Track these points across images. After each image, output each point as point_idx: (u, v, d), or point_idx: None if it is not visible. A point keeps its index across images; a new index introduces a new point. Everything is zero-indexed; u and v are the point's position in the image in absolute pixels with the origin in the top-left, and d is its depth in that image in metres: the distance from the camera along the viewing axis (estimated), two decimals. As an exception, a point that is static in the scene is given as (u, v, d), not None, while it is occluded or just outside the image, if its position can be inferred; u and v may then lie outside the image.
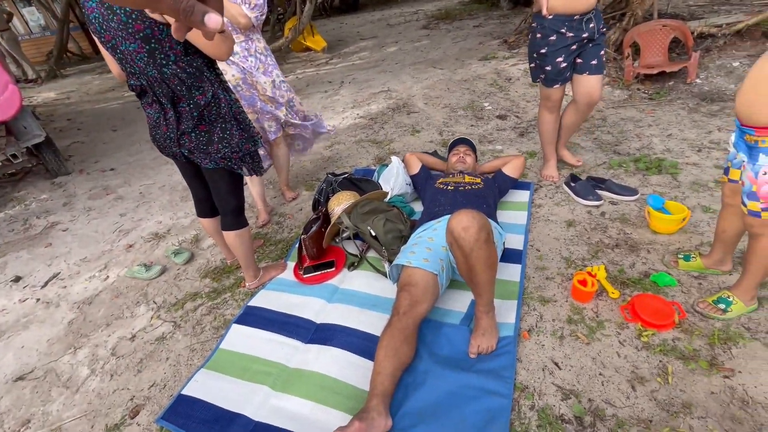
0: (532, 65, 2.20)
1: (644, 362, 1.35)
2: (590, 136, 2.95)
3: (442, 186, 2.00)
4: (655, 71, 3.59)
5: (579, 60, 2.10)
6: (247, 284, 1.93)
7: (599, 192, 2.20)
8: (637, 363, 1.35)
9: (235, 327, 1.72)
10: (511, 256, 1.84)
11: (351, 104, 4.44)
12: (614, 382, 1.31)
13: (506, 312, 1.58)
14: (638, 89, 3.70)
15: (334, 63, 6.71)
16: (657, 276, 1.63)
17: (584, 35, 2.01)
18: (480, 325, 1.45)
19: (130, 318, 1.92)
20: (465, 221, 1.29)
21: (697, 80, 3.60)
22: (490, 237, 1.32)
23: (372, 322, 1.61)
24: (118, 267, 2.32)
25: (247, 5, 2.00)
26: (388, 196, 2.24)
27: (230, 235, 1.74)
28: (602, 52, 2.08)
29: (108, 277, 2.25)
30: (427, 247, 1.57)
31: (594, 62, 2.09)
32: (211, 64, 1.42)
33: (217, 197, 1.67)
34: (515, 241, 1.94)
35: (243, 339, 1.67)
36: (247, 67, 2.14)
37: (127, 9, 1.22)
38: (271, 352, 1.60)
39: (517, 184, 2.38)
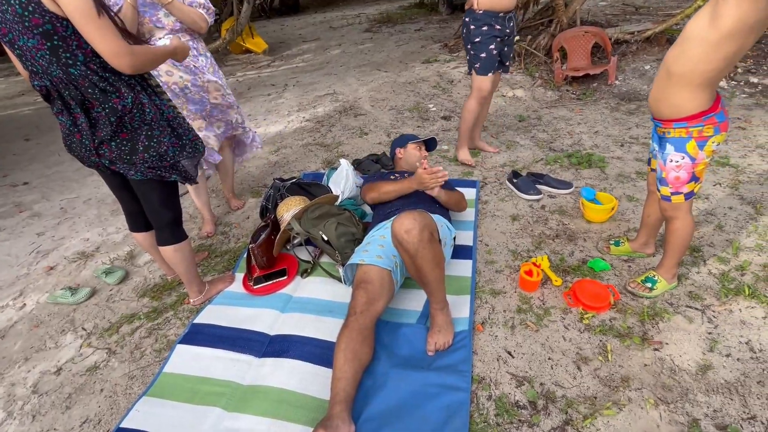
0: (468, 56, 2.41)
1: (587, 343, 1.45)
2: (528, 135, 3.13)
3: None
4: (580, 74, 3.90)
5: (499, 58, 2.40)
6: (191, 301, 1.80)
7: (539, 186, 2.33)
8: (580, 344, 1.45)
9: (179, 348, 1.60)
10: (462, 252, 1.90)
11: (296, 107, 4.35)
12: (562, 365, 1.39)
13: (460, 307, 1.61)
14: (567, 90, 4.00)
15: (276, 65, 6.53)
16: (593, 262, 1.76)
17: (507, 31, 2.31)
18: (435, 322, 1.47)
19: (54, 349, 1.71)
20: (407, 224, 1.31)
21: (617, 82, 3.96)
22: (433, 236, 1.35)
23: (329, 329, 1.57)
24: (37, 293, 2.06)
25: (204, 9, 1.94)
26: (339, 200, 2.21)
27: (167, 251, 1.60)
28: (511, 54, 2.49)
29: (25, 305, 1.99)
30: (379, 244, 1.57)
31: (507, 63, 2.49)
32: None
33: (150, 210, 1.53)
34: (465, 238, 2.00)
35: (189, 360, 1.55)
36: (199, 67, 2.01)
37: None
38: (222, 371, 1.50)
39: (464, 183, 2.46)
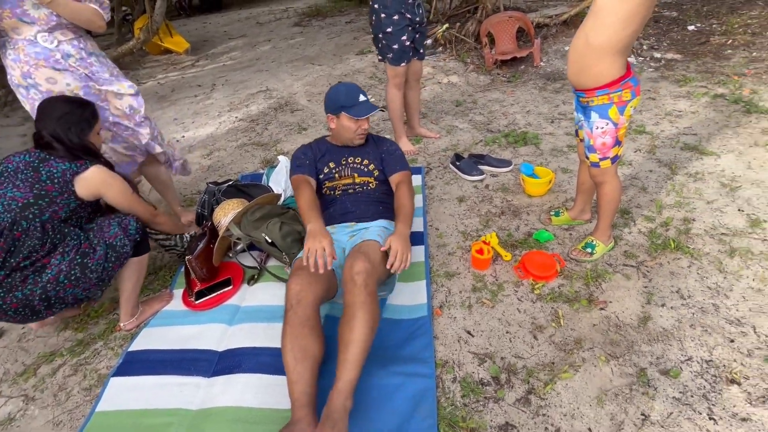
0: (380, 45, 2.36)
1: (540, 312, 1.49)
2: (465, 118, 3.19)
3: (329, 192, 1.74)
4: (508, 57, 4.05)
5: (412, 44, 2.40)
6: (122, 325, 1.61)
7: (481, 167, 2.38)
8: (534, 314, 1.49)
9: (113, 381, 1.42)
10: (413, 238, 1.87)
11: (227, 107, 4.09)
12: (519, 336, 1.42)
13: (417, 293, 1.59)
14: (498, 74, 4.14)
15: (201, 65, 6.11)
16: (538, 234, 1.82)
17: (417, 18, 2.30)
18: (327, 412, 1.09)
19: (-46, 406, 1.45)
20: (358, 266, 1.28)
21: (542, 63, 4.17)
22: (375, 290, 1.29)
23: (283, 335, 1.48)
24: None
25: (96, 3, 1.65)
26: (281, 199, 2.10)
27: (132, 261, 1.53)
28: (426, 42, 2.48)
29: None
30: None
31: (421, 50, 2.49)
32: None
33: None
34: (416, 224, 1.97)
35: (127, 392, 1.38)
36: (93, 72, 1.69)
37: None
38: (167, 399, 1.35)
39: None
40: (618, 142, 1.48)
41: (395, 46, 2.30)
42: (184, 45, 6.69)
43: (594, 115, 1.45)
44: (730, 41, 4.04)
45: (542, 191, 2.10)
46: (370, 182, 1.74)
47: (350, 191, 1.71)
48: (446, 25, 4.95)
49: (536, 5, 6.12)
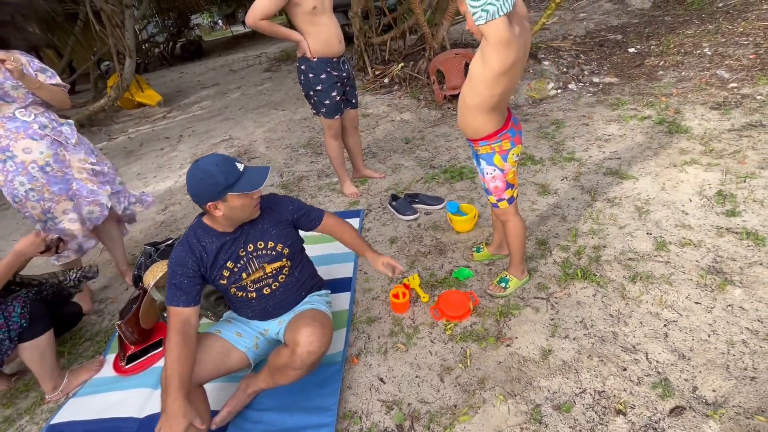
0: (312, 101, 2.49)
1: (450, 353, 1.54)
2: (412, 156, 3.32)
3: (240, 294, 1.44)
4: (457, 92, 4.26)
5: (344, 97, 2.54)
6: (48, 398, 1.63)
7: (415, 206, 2.48)
8: (444, 356, 1.53)
9: (32, 457, 1.43)
10: (341, 284, 1.94)
11: (190, 159, 4.21)
12: (428, 380, 1.46)
13: (335, 342, 1.64)
14: (448, 108, 4.33)
15: (172, 116, 6.31)
16: (458, 272, 1.89)
17: (344, 74, 2.42)
18: None
19: None
20: (315, 345, 1.28)
21: (489, 95, 4.37)
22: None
23: (209, 395, 1.50)
24: None
25: (50, 77, 1.88)
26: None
27: (25, 347, 1.48)
28: (356, 92, 2.64)
29: None
30: (255, 335, 1.50)
31: (353, 101, 2.62)
32: None
33: None
34: (346, 270, 2.04)
35: (43, 469, 1.39)
36: (65, 139, 1.90)
37: None
38: (84, 472, 1.36)
39: (349, 214, 2.54)
40: (509, 185, 1.58)
41: (327, 102, 2.43)
42: (156, 98, 6.93)
43: (483, 162, 1.56)
44: (663, 62, 4.28)
45: (468, 227, 2.18)
46: (285, 266, 1.47)
47: (266, 291, 1.45)
48: (401, 64, 5.21)
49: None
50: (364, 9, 4.95)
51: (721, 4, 5.88)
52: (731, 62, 3.93)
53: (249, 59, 10.03)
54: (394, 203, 2.50)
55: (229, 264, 1.38)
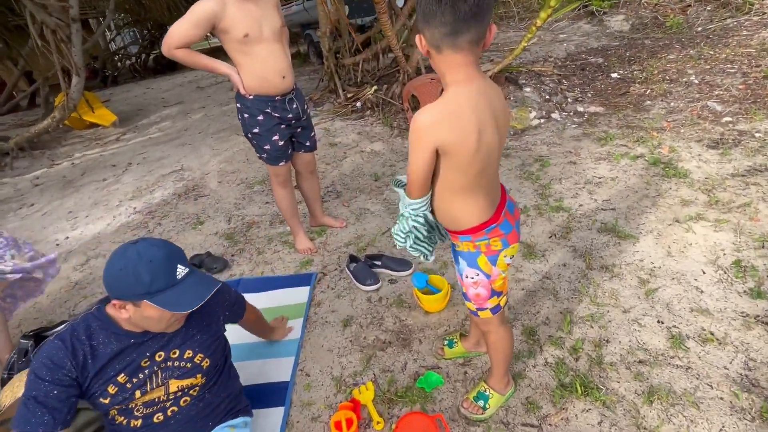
0: (253, 144, 2.08)
1: None
2: (380, 198, 2.91)
3: (121, 419, 1.10)
4: (432, 120, 3.89)
5: (295, 140, 2.15)
6: None
7: (378, 270, 2.06)
8: None
9: None
10: (273, 397, 1.48)
11: (131, 194, 3.70)
12: None
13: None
14: (424, 137, 3.96)
15: (126, 139, 5.77)
16: (424, 379, 1.47)
17: (289, 115, 2.00)
18: None
19: None
20: None
21: (467, 124, 4.04)
22: None
23: None
24: None
25: None
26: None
27: None
28: (312, 134, 2.21)
29: None
30: None
31: (308, 143, 2.20)
32: None
33: None
34: (284, 370, 1.59)
35: None
36: None
37: None
38: None
39: (297, 280, 2.10)
40: (496, 293, 1.17)
41: (267, 147, 2.01)
42: (110, 118, 6.36)
43: (462, 262, 1.15)
44: (649, 91, 4.04)
45: (440, 307, 1.77)
46: (196, 385, 1.15)
47: (157, 418, 1.10)
48: (375, 87, 4.85)
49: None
50: (333, 28, 4.59)
51: (700, 29, 5.78)
52: (721, 92, 3.71)
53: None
54: (352, 267, 2.07)
55: (121, 377, 1.06)
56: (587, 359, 1.47)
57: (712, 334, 1.48)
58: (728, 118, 3.20)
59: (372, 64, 5.31)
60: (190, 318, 1.16)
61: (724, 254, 1.83)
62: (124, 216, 3.26)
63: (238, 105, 1.95)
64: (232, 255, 2.45)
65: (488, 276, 1.12)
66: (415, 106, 4.28)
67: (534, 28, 4.06)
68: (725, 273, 1.73)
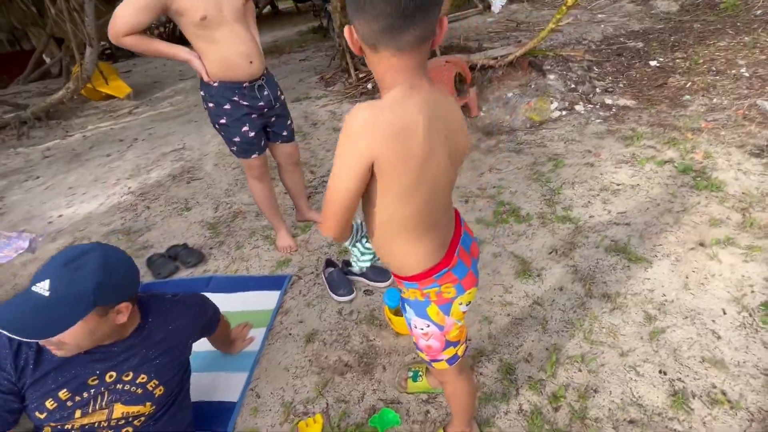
0: (221, 135, 1.90)
1: None
2: (374, 193, 2.72)
3: None
4: (442, 108, 3.61)
5: (270, 129, 1.97)
6: None
7: (354, 279, 1.89)
8: None
9: None
10: (218, 419, 1.37)
11: (130, 172, 3.65)
12: None
13: None
14: (432, 126, 3.69)
15: (138, 112, 5.74)
16: (378, 417, 1.31)
17: (260, 104, 1.81)
18: None
19: None
20: None
21: (481, 113, 3.73)
22: None
23: None
24: None
25: None
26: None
27: None
28: (289, 122, 2.02)
29: None
30: None
31: (284, 133, 2.02)
32: None
33: None
34: (233, 387, 1.47)
35: None
36: None
37: None
38: None
39: (268, 282, 1.97)
40: (452, 343, 0.98)
41: (236, 139, 1.84)
42: (125, 90, 6.34)
43: (409, 310, 0.96)
44: (690, 83, 3.60)
45: (412, 328, 1.60)
46: (142, 414, 1.05)
47: None
48: (387, 67, 4.55)
49: (498, 36, 5.81)
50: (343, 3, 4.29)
51: (759, 12, 5.12)
52: (775, 89, 3.24)
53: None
54: (327, 273, 1.92)
55: (63, 393, 0.97)
56: (568, 411, 1.27)
57: (724, 394, 1.25)
58: (780, 121, 2.78)
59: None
60: (153, 335, 1.07)
61: (753, 292, 1.56)
62: (117, 196, 3.21)
63: (203, 93, 1.77)
64: (211, 248, 2.34)
65: (441, 327, 0.93)
66: (428, 90, 3.99)
67: (564, 8, 3.65)
68: (750, 316, 1.47)
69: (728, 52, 4.15)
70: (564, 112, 3.51)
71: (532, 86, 3.85)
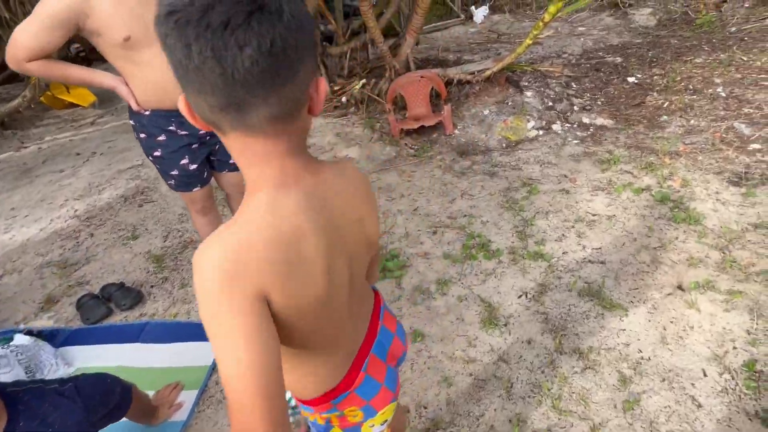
0: (156, 168, 1.68)
1: None
2: (338, 220, 2.53)
3: None
4: (415, 126, 3.46)
5: (214, 158, 1.73)
6: None
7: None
8: None
9: None
10: None
11: (80, 192, 3.39)
12: None
13: None
14: (406, 144, 3.54)
15: (101, 123, 5.44)
16: None
17: (202, 132, 1.56)
18: None
19: None
20: None
21: (456, 131, 3.59)
22: None
23: None
24: None
25: None
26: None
27: None
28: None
29: None
30: None
31: (231, 161, 1.75)
32: None
33: None
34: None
35: None
36: None
37: None
38: None
39: (195, 331, 1.76)
40: None
41: (174, 173, 1.63)
42: (89, 98, 6.01)
43: (313, 429, 0.77)
44: (668, 103, 3.53)
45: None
46: None
47: None
48: (363, 81, 4.39)
49: (479, 48, 5.72)
50: (316, 9, 4.12)
51: (734, 29, 5.15)
52: (751, 110, 3.19)
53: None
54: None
55: None
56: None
57: (706, 481, 1.10)
58: (756, 145, 2.71)
59: (363, 54, 4.84)
60: None
61: (735, 348, 1.43)
62: (61, 220, 2.95)
63: (132, 123, 1.57)
64: (152, 286, 2.12)
65: (350, 453, 0.75)
66: (403, 106, 3.85)
67: (541, 23, 3.55)
68: (733, 379, 1.33)
69: (705, 70, 4.12)
70: (541, 132, 3.39)
71: (509, 103, 3.74)
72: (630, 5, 6.73)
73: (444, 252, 2.10)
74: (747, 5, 5.75)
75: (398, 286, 1.91)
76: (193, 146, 1.62)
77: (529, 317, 1.66)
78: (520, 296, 1.77)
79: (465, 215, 2.40)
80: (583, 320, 1.62)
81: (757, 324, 1.50)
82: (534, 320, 1.64)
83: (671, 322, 1.55)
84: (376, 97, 4.11)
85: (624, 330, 1.55)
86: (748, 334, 1.47)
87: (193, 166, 1.65)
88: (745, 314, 1.54)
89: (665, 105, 3.51)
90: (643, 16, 6.40)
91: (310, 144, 3.71)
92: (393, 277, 1.95)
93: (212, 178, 1.82)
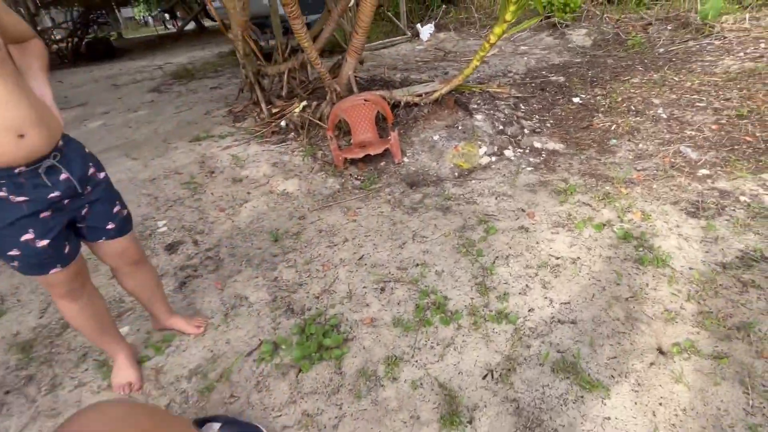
0: None
1: None
2: (269, 277, 2.12)
3: None
4: (360, 155, 3.14)
5: (81, 225, 1.32)
6: None
7: (212, 450, 1.28)
8: None
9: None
10: None
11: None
12: None
13: None
14: (351, 175, 3.20)
15: None
16: None
17: (53, 194, 1.17)
18: None
19: None
20: None
21: (405, 159, 3.32)
22: None
23: None
24: None
25: None
26: None
27: None
28: (117, 209, 1.38)
29: None
30: None
31: (110, 226, 1.36)
32: None
33: None
34: None
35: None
36: None
37: None
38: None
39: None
40: None
41: (13, 252, 1.17)
42: None
43: None
44: (614, 126, 3.49)
45: None
46: None
47: None
48: (304, 103, 4.02)
49: (426, 67, 5.55)
50: (245, 29, 3.71)
51: (662, 50, 5.39)
52: (693, 133, 3.21)
53: (146, 70, 8.32)
54: (170, 444, 1.27)
55: None
56: None
57: None
58: (705, 171, 2.67)
59: (303, 74, 4.47)
60: None
61: (735, 437, 1.20)
62: None
63: None
64: (8, 392, 1.57)
65: None
66: (347, 131, 3.52)
67: (487, 44, 3.40)
68: (743, 487, 1.10)
69: (642, 90, 4.20)
70: (493, 158, 3.20)
71: (459, 127, 3.54)
72: (567, 26, 6.95)
73: (394, 317, 1.76)
74: (669, 28, 6.10)
75: (338, 371, 1.53)
76: (42, 215, 1.17)
77: (497, 407, 1.35)
78: (485, 376, 1.47)
79: (417, 264, 2.09)
80: (560, 407, 1.34)
81: (752, 400, 1.29)
82: (504, 411, 1.34)
83: (660, 404, 1.31)
84: (318, 122, 3.75)
85: (609, 419, 1.29)
86: (746, 414, 1.25)
87: (43, 242, 1.19)
88: (737, 386, 1.34)
89: (612, 128, 3.47)
90: (579, 37, 6.61)
91: (242, 177, 3.26)
92: (331, 359, 1.57)
93: (80, 251, 1.36)
